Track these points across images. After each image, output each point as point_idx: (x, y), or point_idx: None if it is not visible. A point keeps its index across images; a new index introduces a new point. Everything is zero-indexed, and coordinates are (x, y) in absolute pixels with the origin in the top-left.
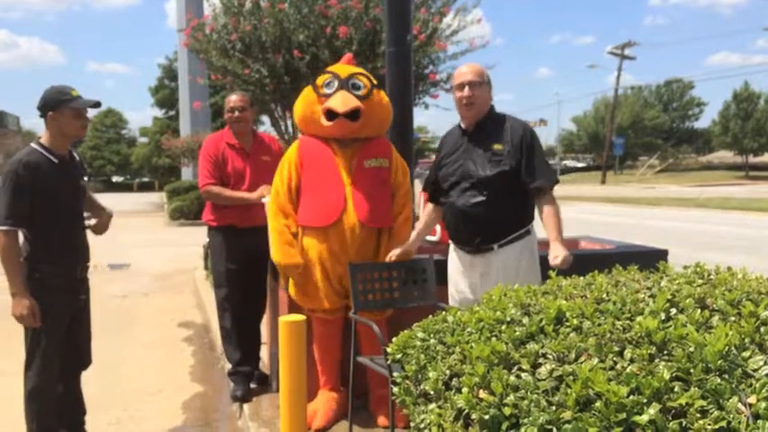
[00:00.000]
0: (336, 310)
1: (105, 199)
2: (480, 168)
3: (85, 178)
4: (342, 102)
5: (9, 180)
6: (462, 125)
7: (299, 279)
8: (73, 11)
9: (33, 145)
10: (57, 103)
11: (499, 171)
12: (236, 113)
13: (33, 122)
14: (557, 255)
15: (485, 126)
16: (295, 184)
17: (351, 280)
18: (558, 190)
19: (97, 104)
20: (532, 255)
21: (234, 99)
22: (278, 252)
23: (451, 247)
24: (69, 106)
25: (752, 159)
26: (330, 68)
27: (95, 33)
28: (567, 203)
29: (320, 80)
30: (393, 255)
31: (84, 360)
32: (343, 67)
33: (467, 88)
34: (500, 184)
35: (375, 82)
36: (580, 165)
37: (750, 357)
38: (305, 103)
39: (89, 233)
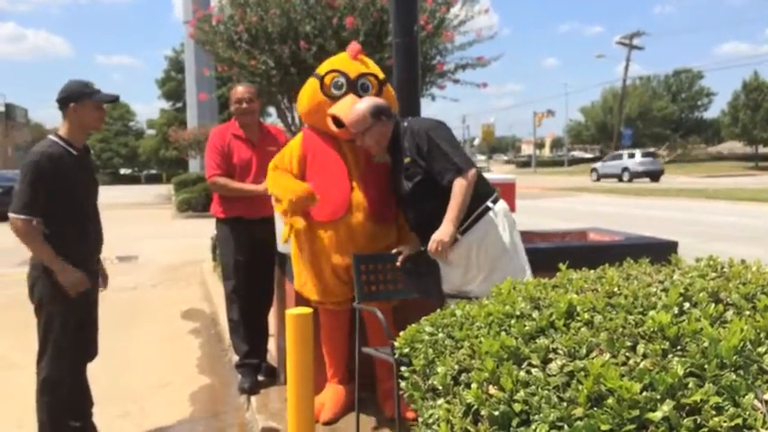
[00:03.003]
0: (344, 302)
1: (113, 191)
2: (403, 184)
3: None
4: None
5: (30, 171)
6: None
7: (307, 271)
8: (79, 3)
9: (53, 137)
10: (80, 96)
11: (415, 182)
12: (244, 105)
13: (41, 115)
14: (434, 238)
15: (394, 144)
16: (296, 174)
17: (354, 271)
18: (565, 181)
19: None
20: (496, 228)
21: (240, 90)
22: (287, 191)
23: None
24: (92, 99)
25: (762, 150)
26: (338, 65)
27: (102, 25)
28: (574, 194)
29: (328, 78)
30: (404, 253)
31: (92, 352)
32: (351, 65)
33: (357, 139)
34: (425, 190)
35: (382, 77)
36: (588, 155)
37: (766, 353)
38: (311, 98)
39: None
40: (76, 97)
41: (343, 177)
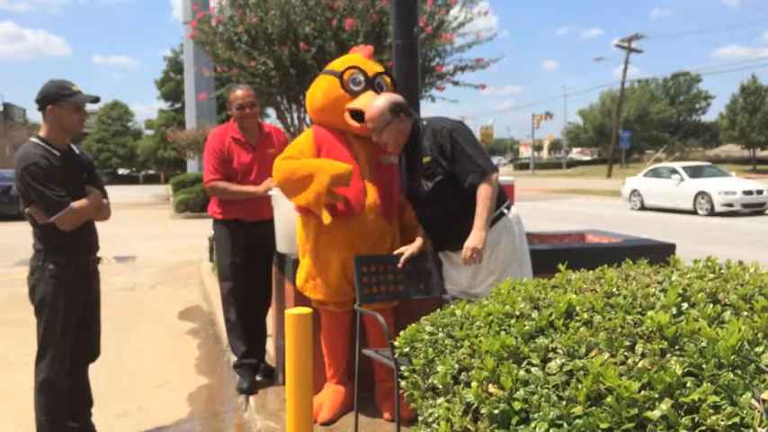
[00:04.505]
0: (346, 303)
1: (111, 191)
2: (421, 184)
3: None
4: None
5: (36, 174)
6: None
7: (313, 269)
8: (78, 3)
9: (33, 139)
10: (56, 97)
11: (435, 182)
12: (247, 110)
13: (39, 115)
14: (467, 246)
15: (412, 143)
16: None
17: (355, 272)
18: (563, 183)
19: (96, 100)
20: (510, 234)
21: (241, 95)
22: (324, 167)
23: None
24: (69, 101)
25: (759, 153)
26: (355, 62)
27: (101, 26)
28: (572, 197)
29: (347, 74)
30: (406, 254)
31: (94, 352)
32: (368, 63)
33: (374, 135)
34: (444, 190)
35: (393, 78)
36: (586, 158)
37: (763, 353)
38: (327, 93)
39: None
40: (53, 98)
41: (356, 176)
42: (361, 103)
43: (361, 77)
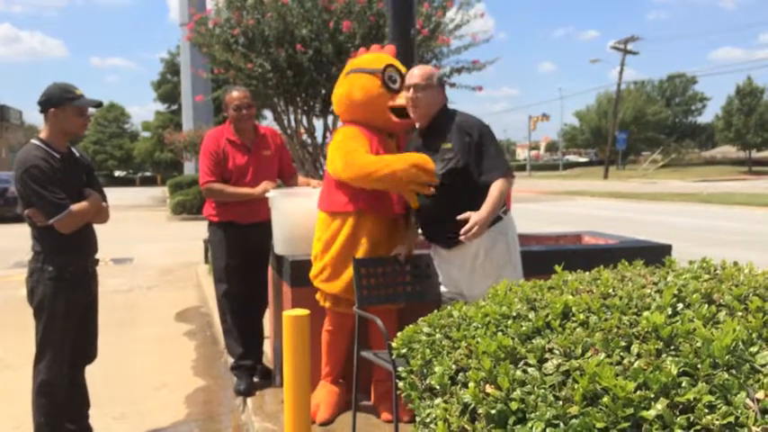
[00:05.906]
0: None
1: (107, 193)
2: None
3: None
4: None
5: (36, 176)
6: (417, 125)
7: (341, 267)
8: (75, 5)
9: (35, 141)
10: (60, 100)
11: (449, 169)
12: (244, 111)
13: (36, 117)
14: (473, 220)
15: (436, 125)
16: None
17: (354, 275)
18: (560, 185)
19: (99, 104)
20: (505, 238)
21: (238, 96)
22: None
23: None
24: (73, 104)
25: (755, 154)
26: (390, 60)
27: (98, 28)
28: (569, 198)
29: (387, 72)
30: (403, 255)
31: (91, 354)
32: (397, 62)
33: (411, 90)
34: (453, 180)
35: None
36: (582, 159)
37: (758, 353)
38: (368, 91)
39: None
40: (57, 101)
41: None
42: (404, 100)
43: (397, 75)
